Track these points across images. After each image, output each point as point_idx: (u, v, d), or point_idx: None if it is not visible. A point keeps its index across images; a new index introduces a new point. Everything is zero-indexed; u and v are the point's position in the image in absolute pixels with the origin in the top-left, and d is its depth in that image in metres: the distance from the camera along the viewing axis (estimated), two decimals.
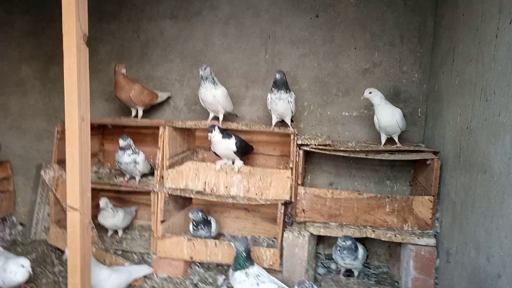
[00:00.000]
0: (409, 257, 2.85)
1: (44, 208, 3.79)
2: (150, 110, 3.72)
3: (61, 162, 3.40)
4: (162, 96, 3.65)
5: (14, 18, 3.94)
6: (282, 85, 3.02)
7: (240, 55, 3.64)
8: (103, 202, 3.24)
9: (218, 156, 3.20)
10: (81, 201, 2.15)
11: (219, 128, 3.03)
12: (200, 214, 3.12)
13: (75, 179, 2.12)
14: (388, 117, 2.99)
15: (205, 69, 3.07)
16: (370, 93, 3.00)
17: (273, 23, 3.56)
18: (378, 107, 3.01)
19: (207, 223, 3.19)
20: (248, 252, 2.73)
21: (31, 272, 2.68)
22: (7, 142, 4.04)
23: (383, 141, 3.10)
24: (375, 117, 3.06)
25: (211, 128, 3.00)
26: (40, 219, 3.75)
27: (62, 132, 3.38)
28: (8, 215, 3.92)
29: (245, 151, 3.24)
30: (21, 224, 3.97)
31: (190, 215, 3.14)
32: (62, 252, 3.28)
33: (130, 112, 3.54)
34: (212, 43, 3.68)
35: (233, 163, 3.17)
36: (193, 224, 3.17)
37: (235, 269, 2.69)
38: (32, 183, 3.94)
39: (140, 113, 3.48)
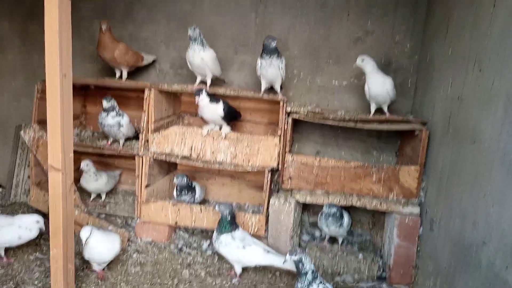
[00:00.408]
0: (393, 225, 2.88)
1: (24, 170, 3.68)
2: (134, 72, 3.59)
3: (41, 123, 3.29)
4: (147, 58, 3.52)
5: None
6: (274, 50, 2.93)
7: (230, 17, 3.52)
8: (84, 163, 3.16)
9: (204, 122, 3.14)
10: (63, 161, 2.07)
11: (206, 92, 2.95)
12: (185, 179, 3.08)
13: (57, 138, 2.04)
14: (379, 86, 2.95)
15: (194, 29, 2.95)
16: (362, 60, 2.95)
17: None
18: (369, 75, 2.97)
19: (191, 189, 3.16)
20: (233, 216, 2.74)
21: (44, 229, 2.71)
22: None
23: (372, 110, 3.07)
24: (366, 86, 3.02)
25: (198, 92, 2.92)
26: (20, 181, 3.65)
27: (43, 91, 3.24)
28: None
29: (232, 117, 3.18)
30: (0, 186, 3.86)
31: (175, 180, 3.10)
32: (45, 215, 3.20)
33: (114, 74, 3.41)
34: (201, 3, 3.54)
35: (220, 128, 3.11)
36: (177, 189, 3.13)
37: (221, 233, 2.69)
38: (12, 144, 3.81)
39: (125, 74, 3.35)
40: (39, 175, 3.32)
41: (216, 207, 2.75)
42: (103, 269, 2.71)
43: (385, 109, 3.07)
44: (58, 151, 2.05)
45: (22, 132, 3.19)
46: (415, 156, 2.93)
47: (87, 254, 2.54)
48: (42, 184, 3.34)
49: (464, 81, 2.32)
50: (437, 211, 2.57)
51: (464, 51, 2.36)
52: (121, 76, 3.36)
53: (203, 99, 2.92)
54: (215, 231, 2.76)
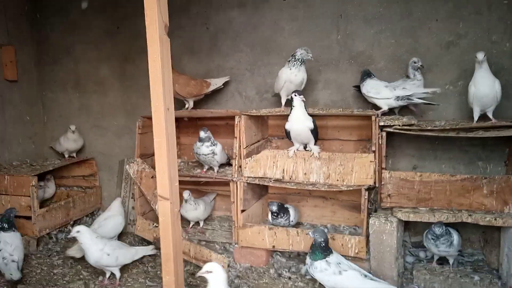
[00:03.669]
0: (511, 242, 2.60)
1: (129, 201, 3.95)
2: (222, 101, 3.74)
3: (143, 156, 3.52)
4: (216, 82, 3.58)
5: (91, 18, 4.12)
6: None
7: (311, 38, 3.52)
8: (186, 194, 3.30)
9: (291, 142, 3.14)
10: (171, 191, 2.17)
11: (303, 96, 2.98)
12: (275, 206, 3.12)
13: (164, 169, 2.15)
14: (488, 86, 2.72)
15: (308, 52, 3.09)
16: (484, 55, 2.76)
17: (344, 1, 3.40)
18: (479, 74, 2.76)
19: (285, 210, 3.15)
20: (327, 241, 2.65)
21: None
22: (90, 140, 4.25)
23: (476, 117, 2.83)
24: (471, 87, 2.80)
25: (299, 92, 2.96)
26: (126, 212, 3.91)
27: (144, 127, 3.49)
28: (96, 210, 4.14)
29: (317, 134, 3.13)
30: None
31: (269, 207, 3.14)
32: (149, 243, 3.39)
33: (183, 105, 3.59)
34: (281, 28, 3.60)
35: (304, 148, 3.08)
36: (272, 213, 3.15)
37: (314, 259, 2.62)
38: (116, 178, 4.13)
39: (191, 104, 3.52)
40: (143, 205, 3.53)
41: (311, 234, 2.67)
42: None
43: (490, 114, 2.82)
44: (165, 181, 2.16)
45: (127, 166, 3.44)
46: None
47: None
48: (147, 214, 3.55)
49: None
50: None
51: None
52: (188, 107, 3.54)
53: (301, 100, 2.94)
54: (308, 256, 2.68)
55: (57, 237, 3.72)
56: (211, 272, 2.22)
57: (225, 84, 3.69)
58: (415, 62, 3.09)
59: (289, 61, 3.14)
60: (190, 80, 3.48)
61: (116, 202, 3.59)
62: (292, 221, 3.19)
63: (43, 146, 4.38)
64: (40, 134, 4.36)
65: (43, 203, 3.78)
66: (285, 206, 3.21)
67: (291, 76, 3.12)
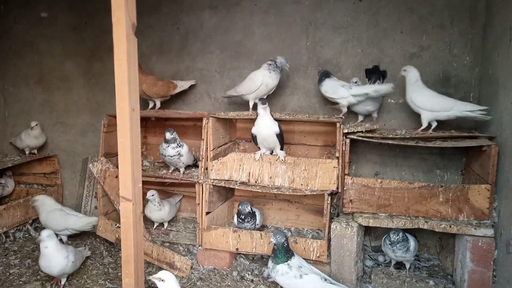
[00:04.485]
0: (465, 249, 2.72)
1: (91, 200, 3.87)
2: (190, 102, 3.73)
3: (108, 155, 3.46)
4: (182, 85, 3.61)
5: (57, 13, 4.02)
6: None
7: (281, 43, 3.58)
8: (150, 193, 3.27)
9: (257, 147, 3.17)
10: (133, 192, 2.14)
11: (267, 104, 3.02)
12: (248, 207, 3.12)
13: (127, 170, 2.12)
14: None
15: (287, 62, 3.24)
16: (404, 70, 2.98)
17: (315, 9, 3.47)
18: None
19: (252, 215, 3.16)
20: (287, 244, 2.68)
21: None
22: (53, 137, 4.15)
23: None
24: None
25: (264, 100, 3.00)
26: (87, 211, 3.83)
27: (109, 125, 3.43)
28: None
29: (283, 139, 3.17)
30: None
31: (239, 208, 3.13)
32: (111, 243, 3.33)
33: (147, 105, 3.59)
34: (252, 32, 3.63)
35: (271, 153, 3.12)
36: (239, 217, 3.15)
37: (277, 262, 2.64)
38: (79, 177, 4.04)
39: (158, 104, 3.53)
40: (106, 205, 3.47)
41: (272, 238, 2.66)
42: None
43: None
44: (128, 182, 2.13)
45: (90, 165, 3.37)
46: (484, 174, 2.78)
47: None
48: (110, 214, 3.49)
49: None
50: None
51: None
52: (154, 107, 3.53)
53: (267, 107, 2.98)
54: (270, 260, 2.71)
55: (14, 236, 3.60)
56: (163, 280, 2.21)
57: (194, 85, 3.70)
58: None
59: (270, 65, 3.20)
60: (158, 80, 3.47)
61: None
62: (257, 224, 3.22)
63: (2, 141, 4.24)
64: (0, 129, 4.21)
65: (1, 200, 3.65)
66: (252, 210, 3.22)
67: (268, 79, 3.19)
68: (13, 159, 3.89)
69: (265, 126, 3.01)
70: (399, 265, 3.03)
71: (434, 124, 2.97)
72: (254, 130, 3.07)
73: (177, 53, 3.79)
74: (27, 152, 4.00)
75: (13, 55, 4.16)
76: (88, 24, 3.95)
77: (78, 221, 3.35)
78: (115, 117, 2.09)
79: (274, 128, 3.01)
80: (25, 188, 4.06)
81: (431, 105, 2.92)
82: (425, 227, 2.79)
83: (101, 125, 3.47)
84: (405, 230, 2.87)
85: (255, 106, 3.21)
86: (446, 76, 3.25)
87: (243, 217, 3.13)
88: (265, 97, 3.25)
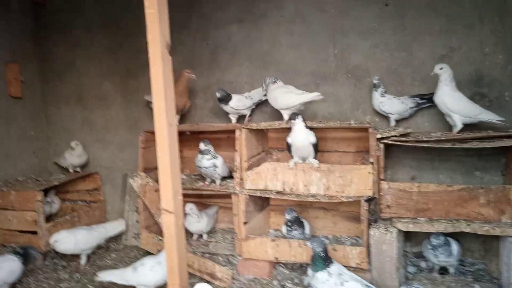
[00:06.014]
0: (509, 251, 2.66)
1: (133, 215, 3.99)
2: (222, 115, 3.81)
3: (146, 170, 3.58)
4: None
5: (94, 35, 4.22)
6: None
7: (308, 52, 3.62)
8: (188, 207, 3.35)
9: (291, 156, 3.19)
10: (174, 204, 2.22)
11: (302, 117, 3.04)
12: (294, 213, 3.13)
13: (168, 183, 2.20)
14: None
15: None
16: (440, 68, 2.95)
17: (340, 16, 3.50)
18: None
19: (300, 223, 3.18)
20: (325, 251, 2.67)
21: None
22: (94, 154, 4.32)
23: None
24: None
25: (294, 116, 3.03)
26: (129, 225, 3.95)
27: (146, 141, 3.55)
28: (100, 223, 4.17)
29: (318, 149, 3.19)
30: None
31: (286, 215, 3.15)
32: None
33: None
34: (279, 43, 3.69)
35: (303, 161, 3.14)
36: (287, 225, 3.18)
37: (316, 270, 2.62)
38: (120, 192, 4.18)
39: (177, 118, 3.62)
40: (147, 219, 3.58)
41: (308, 244, 2.68)
42: None
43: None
44: (169, 194, 2.20)
45: (131, 180, 3.49)
46: None
47: None
48: (151, 227, 3.60)
49: None
50: None
51: None
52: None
53: (299, 123, 3.02)
54: (309, 268, 2.71)
55: None
56: None
57: None
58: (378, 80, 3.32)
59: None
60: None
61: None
62: (307, 234, 3.20)
63: (46, 161, 4.44)
64: (44, 149, 4.43)
65: (48, 218, 3.83)
66: (300, 219, 3.22)
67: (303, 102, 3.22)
68: (58, 178, 4.06)
69: (301, 136, 3.05)
70: (443, 270, 2.96)
71: (461, 127, 2.99)
72: (289, 139, 3.11)
73: (207, 67, 3.89)
74: (71, 170, 4.19)
75: (54, 76, 4.39)
76: (123, 45, 4.12)
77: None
78: (151, 132, 2.18)
79: (310, 138, 3.04)
80: (70, 205, 4.23)
81: (464, 110, 2.95)
82: (468, 230, 2.73)
83: (138, 140, 3.60)
84: (447, 234, 2.82)
85: (289, 117, 3.25)
86: (479, 76, 3.19)
87: (290, 224, 3.14)
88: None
